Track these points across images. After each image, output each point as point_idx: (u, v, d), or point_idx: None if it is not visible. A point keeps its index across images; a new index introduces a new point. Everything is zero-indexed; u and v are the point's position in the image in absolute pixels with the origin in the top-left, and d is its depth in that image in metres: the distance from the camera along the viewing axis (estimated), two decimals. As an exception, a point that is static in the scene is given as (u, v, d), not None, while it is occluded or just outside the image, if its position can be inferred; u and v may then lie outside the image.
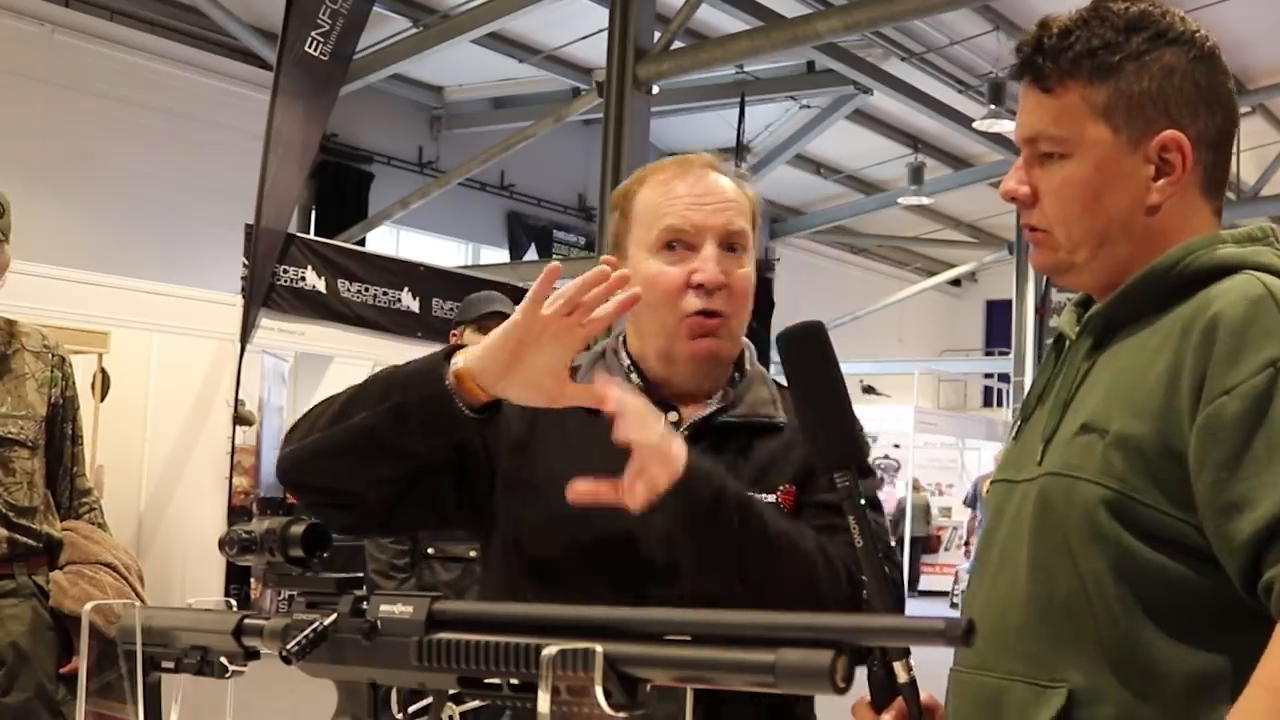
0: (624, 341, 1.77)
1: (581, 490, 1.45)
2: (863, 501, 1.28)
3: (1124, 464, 1.31)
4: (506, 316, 5.07)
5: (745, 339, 1.78)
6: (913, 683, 1.26)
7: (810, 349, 1.32)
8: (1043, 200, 1.42)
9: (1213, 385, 1.26)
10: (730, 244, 1.69)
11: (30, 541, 2.85)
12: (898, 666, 1.24)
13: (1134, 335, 1.37)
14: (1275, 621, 1.21)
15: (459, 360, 1.49)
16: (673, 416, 1.68)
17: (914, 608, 15.85)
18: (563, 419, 1.63)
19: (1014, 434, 1.51)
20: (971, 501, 16.08)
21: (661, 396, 1.69)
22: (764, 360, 1.87)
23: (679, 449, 1.48)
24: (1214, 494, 1.26)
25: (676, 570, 1.56)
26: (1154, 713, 1.28)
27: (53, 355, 2.99)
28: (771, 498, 1.67)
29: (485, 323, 4.29)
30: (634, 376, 1.71)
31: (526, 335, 1.46)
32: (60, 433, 3.00)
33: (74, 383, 3.06)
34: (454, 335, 4.41)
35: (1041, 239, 1.44)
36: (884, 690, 1.28)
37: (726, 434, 1.70)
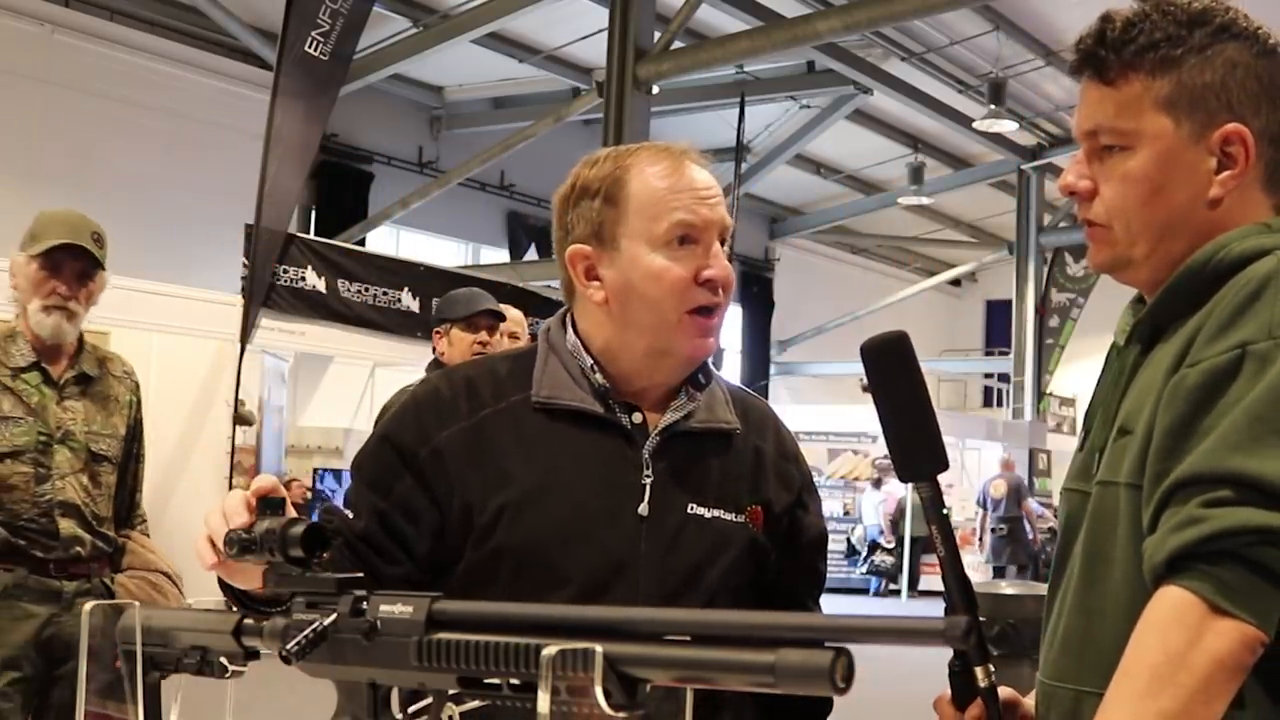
0: (574, 334, 1.71)
1: None
2: (945, 511, 1.29)
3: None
4: (494, 313, 4.98)
5: None
6: (992, 687, 1.27)
7: (892, 361, 1.34)
8: (1102, 194, 1.41)
9: (1193, 352, 1.27)
10: (723, 239, 1.67)
11: (106, 547, 3.25)
12: (978, 671, 1.25)
13: (1174, 336, 1.34)
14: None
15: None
16: (636, 417, 1.66)
17: (914, 608, 15.87)
18: (515, 426, 1.64)
19: (1079, 442, 1.50)
20: (983, 502, 16.25)
21: (622, 396, 1.67)
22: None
23: None
24: (1154, 459, 1.27)
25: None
26: None
27: (130, 379, 3.38)
28: (740, 518, 1.67)
29: (474, 320, 4.21)
30: (597, 375, 1.67)
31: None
32: (129, 451, 3.36)
33: (141, 405, 3.40)
34: (438, 335, 4.30)
35: (1100, 234, 1.42)
36: (965, 690, 1.28)
37: (693, 440, 1.68)
